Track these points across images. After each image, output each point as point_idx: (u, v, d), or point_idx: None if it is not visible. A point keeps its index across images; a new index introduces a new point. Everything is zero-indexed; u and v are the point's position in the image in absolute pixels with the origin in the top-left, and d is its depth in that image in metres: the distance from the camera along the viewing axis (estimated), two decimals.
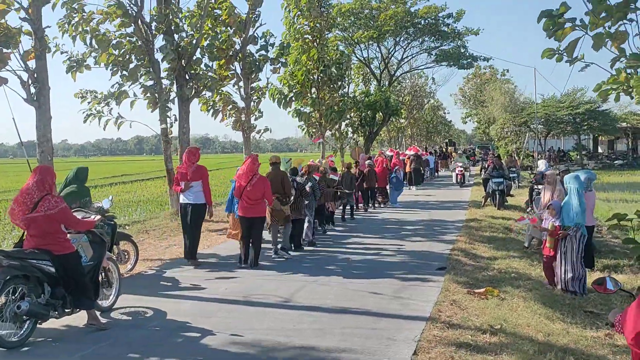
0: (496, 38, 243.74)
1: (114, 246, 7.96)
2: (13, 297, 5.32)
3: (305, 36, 20.88)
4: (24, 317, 5.33)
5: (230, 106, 17.55)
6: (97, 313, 6.14)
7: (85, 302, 5.85)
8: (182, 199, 9.31)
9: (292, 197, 10.20)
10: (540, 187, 12.25)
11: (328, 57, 21.49)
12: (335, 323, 6.06)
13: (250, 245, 9.16)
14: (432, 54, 39.22)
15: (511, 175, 20.01)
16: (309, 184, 10.91)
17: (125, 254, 8.70)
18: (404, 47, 38.77)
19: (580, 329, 5.98)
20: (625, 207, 14.99)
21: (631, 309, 2.73)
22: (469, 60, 37.45)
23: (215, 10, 15.34)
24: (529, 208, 14.14)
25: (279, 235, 10.21)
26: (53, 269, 5.59)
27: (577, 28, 7.17)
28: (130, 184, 32.42)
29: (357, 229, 13.29)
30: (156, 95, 13.89)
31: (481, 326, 5.86)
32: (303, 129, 23.31)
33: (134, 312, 6.59)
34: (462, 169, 25.93)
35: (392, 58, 40.32)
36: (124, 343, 5.51)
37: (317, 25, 20.89)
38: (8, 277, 5.23)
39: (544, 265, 8.14)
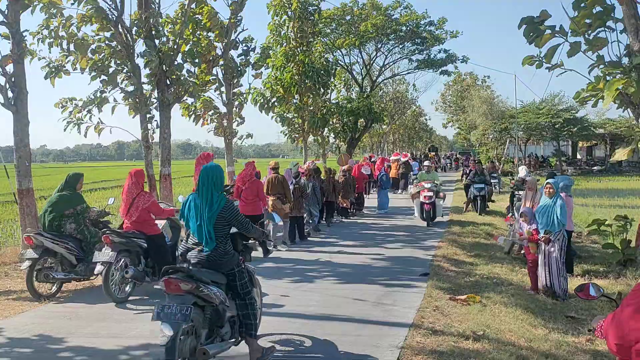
0: (477, 45, 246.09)
1: None
2: (120, 265, 7.19)
3: (291, 42, 20.85)
4: (129, 280, 7.14)
5: (212, 111, 17.44)
6: None
7: None
8: None
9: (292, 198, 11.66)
10: (521, 193, 12.34)
11: (314, 63, 21.47)
12: (318, 330, 6.02)
13: None
14: (412, 60, 39.40)
15: (492, 181, 20.16)
16: (310, 185, 12.80)
17: None
18: (385, 53, 38.93)
19: (561, 335, 6.02)
20: (604, 212, 15.18)
21: (613, 316, 2.73)
22: (448, 61, 37.55)
23: (196, 16, 15.23)
24: (510, 214, 14.26)
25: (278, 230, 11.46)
26: (146, 245, 7.55)
27: (556, 35, 7.26)
28: (110, 189, 32.00)
29: (339, 234, 13.27)
30: (137, 100, 13.74)
31: (464, 332, 5.86)
32: (286, 134, 23.28)
33: (120, 320, 6.48)
34: (431, 194, 14.34)
35: (374, 64, 40.47)
36: None
37: (303, 30, 20.87)
38: (119, 250, 7.19)
39: (529, 270, 8.18)
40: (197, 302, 4.43)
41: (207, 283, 4.54)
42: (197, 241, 4.81)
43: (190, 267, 4.73)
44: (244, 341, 4.99)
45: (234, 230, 4.97)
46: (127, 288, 7.34)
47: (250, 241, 5.43)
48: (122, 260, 7.27)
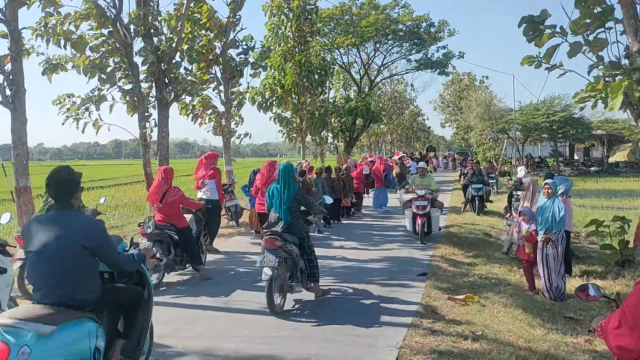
0: (475, 45, 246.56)
1: None
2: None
3: (289, 42, 20.82)
4: (160, 268, 7.93)
5: (210, 110, 17.42)
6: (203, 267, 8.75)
7: (196, 260, 8.49)
8: (199, 195, 11.14)
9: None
10: (519, 193, 12.35)
11: (313, 63, 21.47)
12: (316, 329, 6.01)
13: None
14: (410, 61, 39.44)
15: (490, 181, 20.16)
16: (319, 183, 13.78)
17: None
18: (384, 52, 38.93)
19: (560, 335, 6.02)
20: (602, 213, 15.19)
21: (614, 318, 2.73)
22: (445, 61, 37.50)
23: (195, 14, 15.21)
24: (508, 214, 14.27)
25: None
26: (177, 237, 8.21)
27: (556, 35, 7.27)
28: (107, 188, 31.96)
29: (337, 234, 13.25)
30: (135, 99, 13.72)
31: (462, 332, 5.85)
32: (283, 134, 23.27)
33: None
34: (425, 203, 11.91)
35: (372, 64, 40.49)
36: None
37: (301, 29, 20.85)
38: (154, 241, 7.87)
39: (524, 270, 8.18)
40: (283, 255, 6.65)
41: (289, 242, 6.78)
42: (278, 216, 6.96)
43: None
44: (307, 287, 7.08)
45: (302, 208, 7.17)
46: (158, 276, 7.96)
47: (310, 217, 7.94)
48: (156, 250, 7.78)
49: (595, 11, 6.75)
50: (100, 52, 13.36)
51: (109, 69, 13.58)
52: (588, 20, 6.83)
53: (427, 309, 6.75)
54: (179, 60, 14.78)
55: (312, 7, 21.58)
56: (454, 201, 20.50)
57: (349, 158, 22.38)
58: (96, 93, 13.87)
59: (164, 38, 14.36)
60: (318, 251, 10.86)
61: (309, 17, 21.46)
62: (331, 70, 25.24)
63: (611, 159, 43.89)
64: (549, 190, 7.76)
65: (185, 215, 8.65)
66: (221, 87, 17.19)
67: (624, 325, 2.59)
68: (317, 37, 28.53)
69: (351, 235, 13.07)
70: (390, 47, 38.32)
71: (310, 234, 12.72)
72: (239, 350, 5.39)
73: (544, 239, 7.57)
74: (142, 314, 4.27)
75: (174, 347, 5.50)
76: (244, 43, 17.43)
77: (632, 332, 2.55)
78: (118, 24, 13.11)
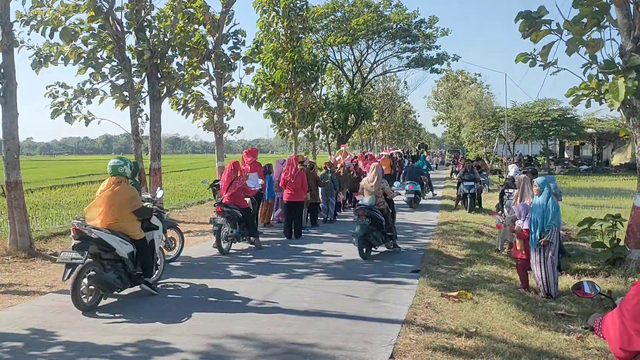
0: (468, 43, 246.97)
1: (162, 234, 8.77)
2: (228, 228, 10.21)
3: (281, 38, 20.69)
4: (229, 238, 10.23)
5: (201, 107, 17.31)
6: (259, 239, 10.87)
7: (254, 233, 10.70)
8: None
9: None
10: (511, 191, 12.42)
11: (304, 59, 21.35)
12: (311, 326, 6.00)
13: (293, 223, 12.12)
14: (401, 58, 39.43)
15: (482, 179, 20.20)
16: (328, 177, 14.82)
17: (172, 241, 9.54)
18: (376, 50, 38.91)
19: (552, 332, 6.05)
20: (592, 212, 15.27)
21: (613, 318, 2.73)
22: (438, 60, 37.48)
23: (188, 9, 15.11)
24: (500, 212, 14.32)
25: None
26: (241, 215, 10.39)
27: (552, 32, 7.30)
28: (98, 183, 31.69)
29: (331, 230, 13.26)
30: (126, 93, 13.61)
31: (456, 329, 5.86)
32: (275, 130, 23.17)
33: (113, 313, 6.42)
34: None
35: (365, 61, 40.45)
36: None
37: (293, 25, 20.73)
38: (226, 217, 10.14)
39: (518, 268, 8.20)
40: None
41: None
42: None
43: None
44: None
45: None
46: (227, 245, 10.27)
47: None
48: (227, 223, 10.14)
49: (593, 9, 6.77)
50: (91, 45, 13.21)
51: (98, 62, 13.43)
52: (584, 20, 6.85)
53: (420, 305, 6.76)
54: (172, 54, 14.68)
55: (303, 3, 21.39)
56: (446, 199, 20.55)
57: (349, 154, 22.44)
58: (87, 86, 13.72)
59: (157, 32, 14.26)
60: (311, 247, 10.97)
61: (301, 13, 21.31)
62: (323, 66, 25.12)
63: (613, 163, 43.86)
64: (538, 189, 7.79)
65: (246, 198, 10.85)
66: (213, 83, 17.10)
67: (627, 328, 2.60)
68: (310, 35, 28.42)
69: (343, 231, 13.05)
70: (382, 45, 38.29)
71: (303, 229, 12.97)
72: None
73: (543, 242, 7.53)
74: None
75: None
76: (235, 37, 17.34)
77: (634, 334, 2.56)
78: (110, 18, 12.98)
